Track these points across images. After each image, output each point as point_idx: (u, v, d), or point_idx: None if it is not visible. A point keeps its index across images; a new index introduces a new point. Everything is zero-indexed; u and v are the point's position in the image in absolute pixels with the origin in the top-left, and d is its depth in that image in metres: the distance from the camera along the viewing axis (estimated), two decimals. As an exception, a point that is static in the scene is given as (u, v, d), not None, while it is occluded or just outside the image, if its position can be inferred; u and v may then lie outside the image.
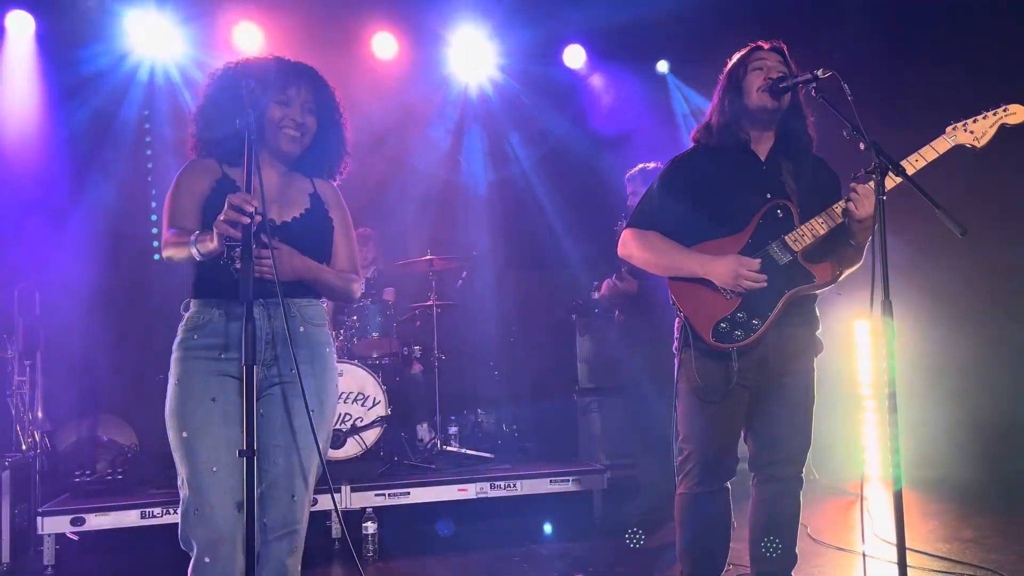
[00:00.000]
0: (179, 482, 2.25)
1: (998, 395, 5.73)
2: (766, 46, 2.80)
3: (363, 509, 4.37)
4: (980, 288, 5.88)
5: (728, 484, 2.87)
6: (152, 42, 6.11)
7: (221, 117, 2.31)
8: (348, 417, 5.01)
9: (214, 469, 2.20)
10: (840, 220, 2.65)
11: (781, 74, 2.72)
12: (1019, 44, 5.62)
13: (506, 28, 6.54)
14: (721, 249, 2.74)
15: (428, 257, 5.52)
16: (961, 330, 5.75)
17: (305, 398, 2.27)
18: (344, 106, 2.53)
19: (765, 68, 2.74)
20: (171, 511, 4.17)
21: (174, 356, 2.31)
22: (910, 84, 6.04)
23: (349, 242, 2.57)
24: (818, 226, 2.67)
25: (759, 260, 2.68)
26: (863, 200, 2.55)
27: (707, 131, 2.88)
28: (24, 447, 4.84)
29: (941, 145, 2.58)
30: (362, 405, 5.07)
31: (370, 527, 4.21)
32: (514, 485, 4.73)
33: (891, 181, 2.44)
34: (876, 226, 2.32)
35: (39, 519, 4.12)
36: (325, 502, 4.07)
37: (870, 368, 6.02)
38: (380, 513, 4.35)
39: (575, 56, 6.89)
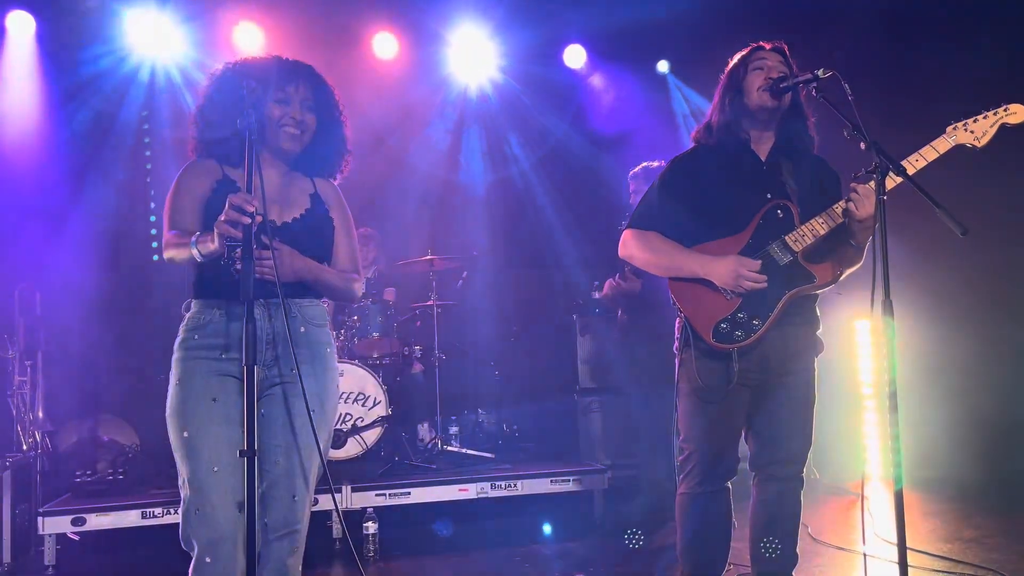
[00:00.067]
0: (180, 482, 2.25)
1: (999, 394, 5.73)
2: (767, 46, 2.80)
3: (364, 509, 4.37)
4: (981, 288, 5.88)
5: (729, 484, 2.87)
6: (152, 42, 6.11)
7: (221, 117, 2.31)
8: (349, 417, 5.01)
9: (215, 469, 2.20)
10: (841, 220, 2.65)
11: (782, 74, 2.72)
12: (1020, 44, 5.61)
13: (507, 28, 6.54)
14: (721, 249, 2.74)
15: (429, 257, 5.53)
16: (962, 330, 5.75)
17: (306, 398, 2.27)
18: (344, 104, 2.53)
19: (766, 68, 2.74)
20: (172, 511, 4.17)
21: (175, 356, 2.31)
22: (910, 84, 6.03)
23: (350, 241, 2.57)
24: (818, 226, 2.67)
25: (760, 261, 2.68)
26: (863, 200, 2.55)
27: (707, 131, 2.88)
28: (25, 447, 4.85)
29: (941, 145, 2.58)
30: (363, 405, 5.07)
31: (371, 527, 4.22)
32: (515, 485, 4.73)
33: (892, 181, 2.44)
34: (877, 226, 2.32)
35: (40, 519, 4.12)
36: (326, 502, 4.07)
37: (871, 368, 6.02)
38: (381, 513, 4.35)
39: (575, 56, 6.89)
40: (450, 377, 5.67)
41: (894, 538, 2.29)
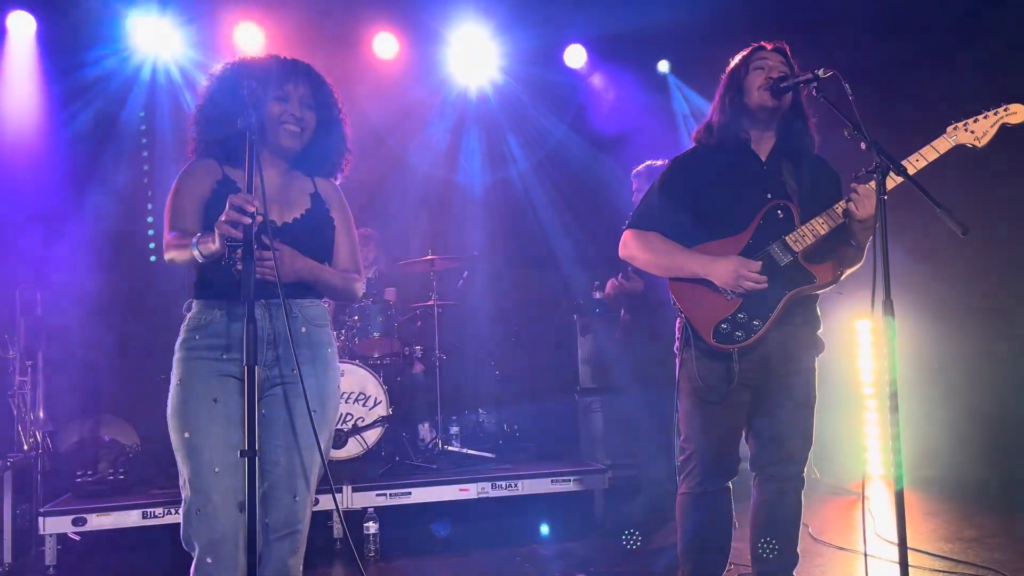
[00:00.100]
0: (181, 482, 2.25)
1: (1000, 394, 5.73)
2: (769, 46, 2.80)
3: (364, 509, 4.37)
4: (981, 287, 5.88)
5: (730, 484, 2.87)
6: (153, 43, 6.12)
7: (222, 117, 2.31)
8: (349, 417, 5.02)
9: (216, 470, 2.20)
10: (841, 220, 2.65)
11: (783, 74, 2.72)
12: (1020, 44, 5.61)
13: (507, 28, 6.54)
14: (722, 250, 2.74)
15: (429, 257, 5.53)
16: (963, 329, 5.75)
17: (306, 398, 2.27)
18: (343, 103, 2.53)
19: (767, 67, 2.75)
20: (172, 511, 4.18)
21: (176, 356, 2.32)
22: (911, 84, 6.04)
23: (351, 241, 2.57)
24: (819, 226, 2.67)
25: (760, 262, 2.68)
26: (864, 200, 2.55)
27: (708, 130, 2.88)
28: (26, 447, 4.85)
29: (942, 145, 2.58)
30: (363, 405, 5.07)
31: (371, 527, 4.22)
32: (515, 485, 4.73)
33: (892, 181, 2.44)
34: (877, 225, 2.32)
35: (41, 519, 4.12)
36: (326, 502, 4.07)
37: (871, 367, 6.02)
38: (381, 513, 4.35)
39: (576, 56, 6.89)
40: (451, 377, 5.67)
41: (895, 538, 2.29)
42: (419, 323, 5.91)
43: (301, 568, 2.40)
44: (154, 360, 5.20)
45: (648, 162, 4.60)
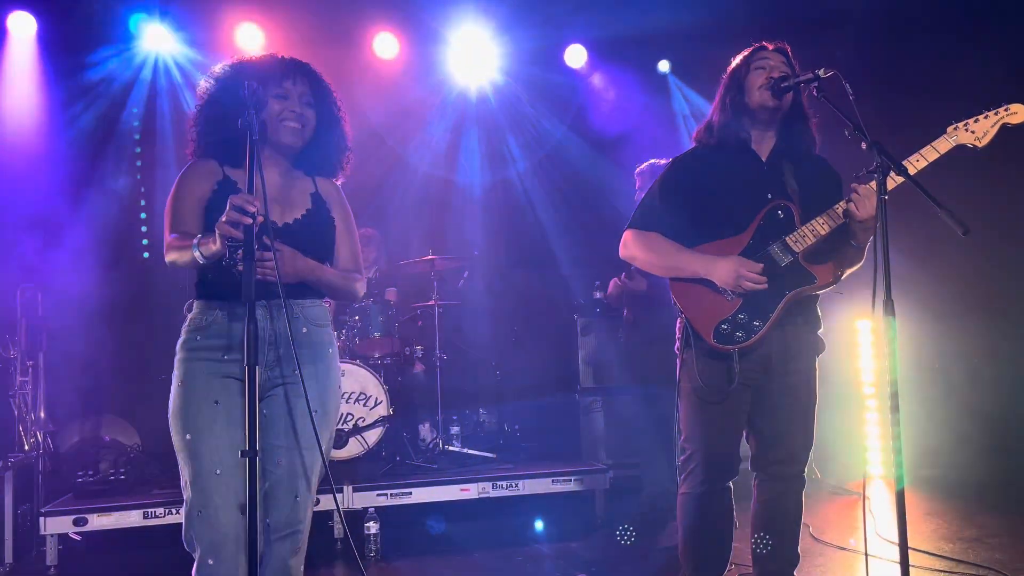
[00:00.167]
0: (182, 483, 2.26)
1: (1001, 393, 5.73)
2: (770, 46, 2.80)
3: (365, 509, 4.37)
4: (982, 287, 5.88)
5: (730, 484, 2.87)
6: (154, 44, 6.12)
7: (222, 118, 2.31)
8: (350, 417, 5.02)
9: (217, 471, 2.21)
10: (841, 220, 2.65)
11: (783, 74, 2.72)
12: (1021, 43, 5.61)
13: (508, 28, 6.53)
14: (722, 250, 2.74)
15: (430, 257, 5.53)
16: (964, 329, 5.76)
17: (307, 399, 2.28)
18: (342, 101, 2.54)
19: (768, 67, 2.74)
20: (173, 511, 4.18)
21: (177, 357, 2.32)
22: (911, 84, 6.04)
23: (352, 240, 2.57)
24: (819, 227, 2.67)
25: (761, 263, 2.68)
26: (864, 200, 2.55)
27: (708, 130, 2.88)
28: (27, 448, 4.85)
29: (942, 145, 2.58)
30: (364, 405, 5.07)
31: (372, 527, 4.22)
32: (516, 485, 4.73)
33: (893, 181, 2.44)
34: (878, 225, 2.32)
35: (42, 519, 4.12)
36: (327, 502, 4.07)
37: (872, 367, 6.02)
38: (382, 513, 4.36)
39: (576, 56, 6.89)
40: (451, 377, 5.67)
41: (896, 538, 2.29)
42: (420, 323, 5.91)
43: (302, 568, 2.40)
44: (155, 360, 5.21)
45: (652, 160, 4.59)
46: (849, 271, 2.78)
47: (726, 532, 2.89)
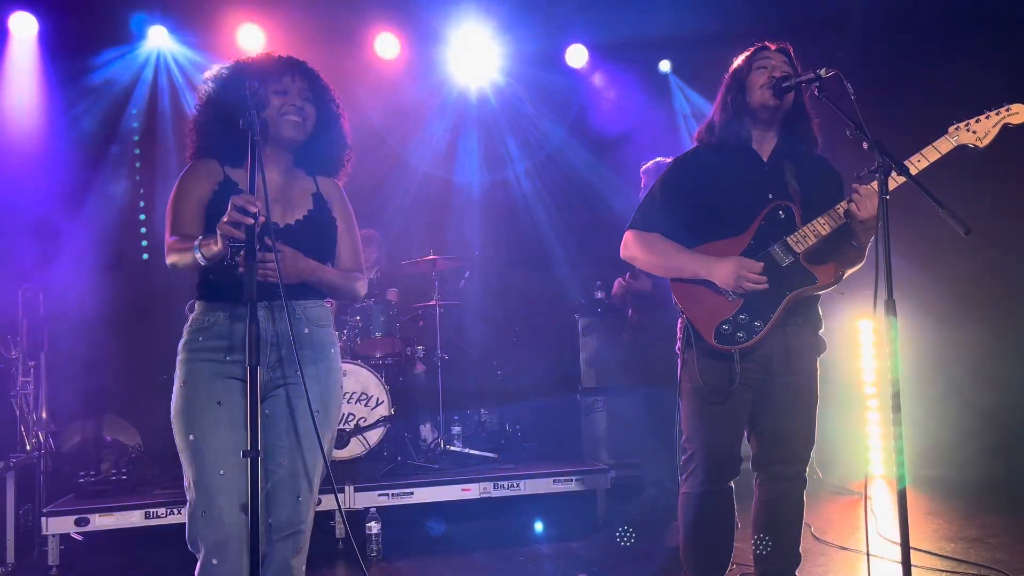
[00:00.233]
0: (185, 484, 2.26)
1: (1002, 393, 5.73)
2: (772, 46, 2.80)
3: (367, 509, 4.37)
4: (984, 287, 5.88)
5: (731, 484, 2.87)
6: (154, 45, 6.13)
7: (223, 118, 2.31)
8: (351, 417, 5.02)
9: (221, 472, 2.21)
10: (843, 221, 2.65)
11: (785, 73, 2.72)
12: (1022, 43, 5.61)
13: (509, 29, 6.53)
14: (723, 251, 2.74)
15: (431, 257, 5.53)
16: (965, 329, 5.75)
17: (309, 399, 2.28)
18: (340, 99, 2.54)
19: (769, 67, 2.74)
20: (175, 511, 4.18)
21: (179, 357, 2.32)
22: (912, 84, 6.03)
23: (353, 240, 2.57)
24: (821, 227, 2.67)
25: (761, 263, 2.68)
26: (865, 200, 2.55)
27: (709, 129, 2.88)
28: (28, 448, 4.85)
29: (943, 145, 2.58)
30: (365, 405, 5.07)
31: (374, 527, 4.22)
32: (517, 485, 4.73)
33: (894, 181, 2.44)
34: (879, 225, 2.32)
35: (44, 519, 4.13)
36: (329, 502, 4.06)
37: (873, 367, 6.02)
38: (384, 513, 4.36)
39: (577, 56, 6.89)
40: (452, 377, 5.67)
41: (897, 537, 2.29)
42: (421, 323, 5.91)
43: (304, 568, 2.41)
44: (156, 360, 5.21)
45: (658, 158, 4.59)
46: (850, 271, 2.78)
47: (727, 532, 2.89)
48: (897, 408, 2.27)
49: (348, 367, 5.01)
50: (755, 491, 2.91)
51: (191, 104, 6.00)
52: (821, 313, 2.87)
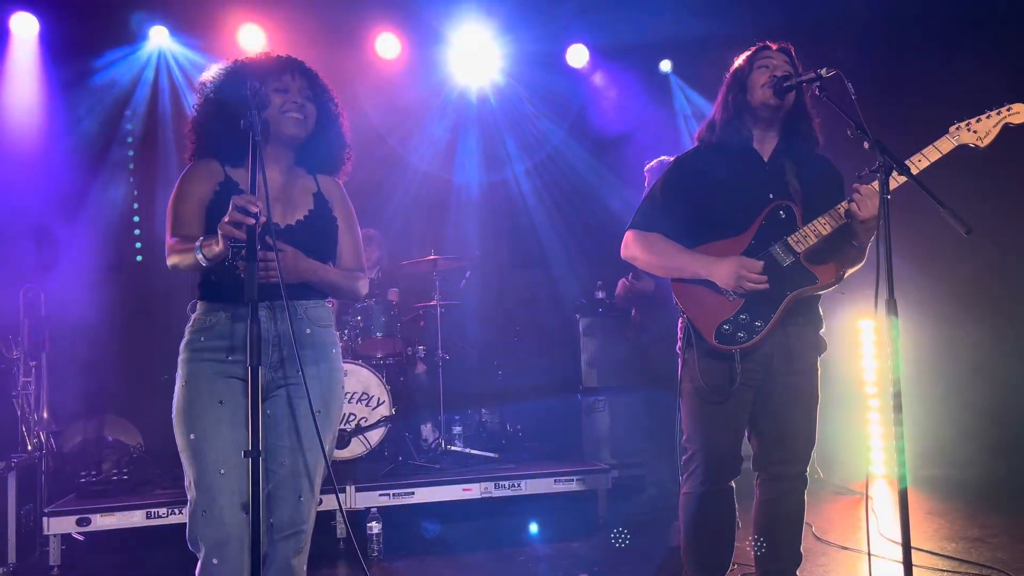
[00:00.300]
0: (186, 483, 2.26)
1: (1004, 393, 5.73)
2: (773, 46, 2.80)
3: (368, 509, 4.38)
4: (985, 286, 5.88)
5: (732, 483, 2.87)
6: (155, 45, 6.14)
7: (223, 118, 2.31)
8: (352, 417, 5.02)
9: (222, 471, 2.21)
10: (843, 221, 2.65)
11: (786, 73, 2.72)
12: (1022, 43, 5.61)
13: (510, 29, 6.53)
14: (723, 250, 2.74)
15: (432, 257, 5.53)
16: (966, 329, 5.75)
17: (310, 399, 2.28)
18: (340, 98, 2.54)
19: (771, 66, 2.74)
20: (176, 511, 4.19)
21: (181, 357, 2.32)
22: (913, 84, 6.03)
23: (354, 239, 2.58)
24: (821, 227, 2.67)
25: (762, 262, 2.68)
26: (866, 200, 2.55)
27: (710, 128, 2.88)
28: (30, 448, 4.85)
29: (944, 145, 2.58)
30: (366, 405, 5.08)
31: (375, 527, 4.22)
32: (518, 485, 4.73)
33: (895, 181, 2.44)
34: (880, 224, 2.32)
35: (45, 519, 4.13)
36: (330, 502, 4.06)
37: (875, 367, 6.02)
38: (385, 513, 4.36)
39: (578, 56, 6.89)
40: (453, 377, 5.68)
41: (899, 537, 2.29)
42: (422, 323, 5.92)
43: (305, 568, 2.41)
44: (157, 360, 5.20)
45: (662, 157, 4.59)
46: (851, 271, 2.78)
47: (728, 532, 2.89)
48: (898, 408, 2.27)
49: (349, 367, 5.01)
50: (756, 491, 2.91)
51: (191, 106, 6.01)
52: (822, 313, 2.87)
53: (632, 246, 2.90)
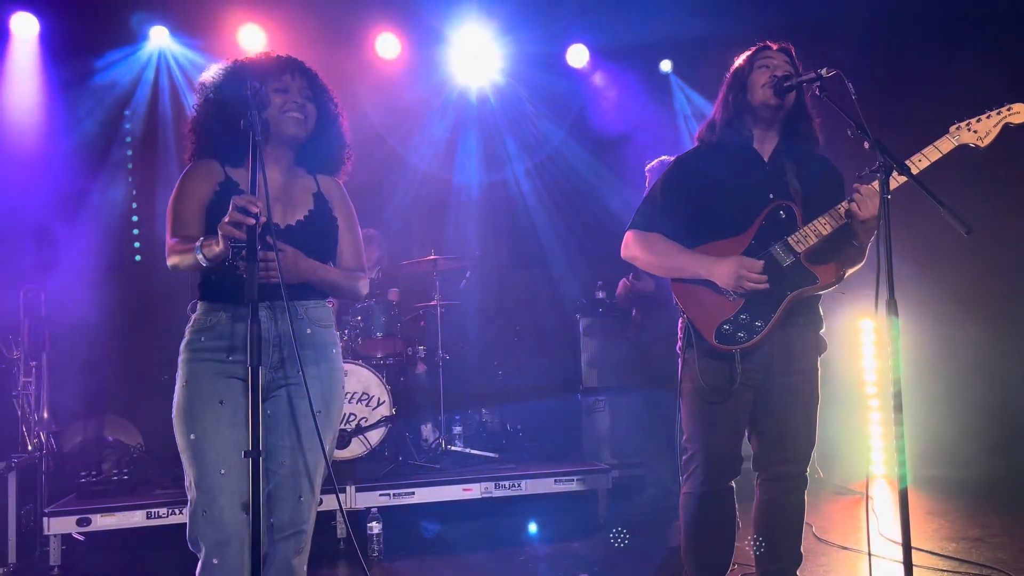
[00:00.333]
0: (187, 483, 2.26)
1: (1004, 393, 5.73)
2: (774, 46, 2.80)
3: (368, 509, 4.38)
4: (985, 286, 5.87)
5: (733, 483, 2.87)
6: (156, 46, 6.14)
7: (223, 118, 2.31)
8: (353, 417, 5.02)
9: (222, 471, 2.21)
10: (844, 220, 2.65)
11: (787, 73, 2.72)
12: (1022, 43, 5.61)
13: (511, 29, 6.53)
14: (724, 251, 2.73)
15: (432, 257, 5.53)
16: (967, 329, 5.75)
17: (311, 400, 2.28)
18: (339, 97, 2.54)
19: (771, 66, 2.74)
20: (176, 511, 4.19)
21: (181, 357, 2.32)
22: (913, 84, 6.03)
23: (354, 239, 2.58)
24: (821, 227, 2.67)
25: (762, 262, 2.68)
26: (866, 200, 2.55)
27: (711, 128, 2.88)
28: (30, 448, 4.85)
29: (944, 145, 2.58)
30: (367, 405, 5.08)
31: (375, 527, 4.22)
32: (518, 485, 4.73)
33: (895, 181, 2.44)
34: (881, 223, 2.32)
35: (45, 520, 4.14)
36: (330, 502, 4.06)
37: (875, 367, 6.02)
38: (385, 513, 4.36)
39: (578, 56, 6.89)
40: (454, 377, 5.68)
41: (899, 537, 2.29)
42: (422, 323, 5.92)
43: (306, 568, 2.41)
44: (157, 360, 5.20)
45: (662, 157, 4.59)
46: (851, 271, 2.77)
47: (728, 532, 2.89)
48: (898, 408, 2.27)
49: (349, 367, 5.01)
50: (756, 491, 2.91)
51: (191, 106, 6.01)
52: (822, 313, 2.87)
53: (632, 246, 2.90)
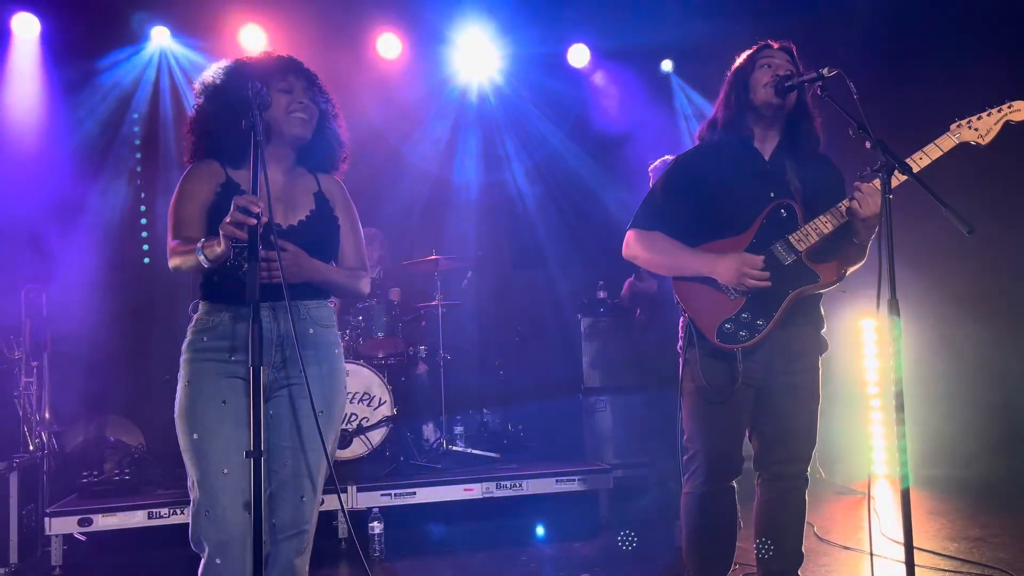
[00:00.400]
0: (189, 484, 2.26)
1: (1005, 392, 5.72)
2: (775, 45, 2.80)
3: (369, 509, 4.38)
4: (986, 286, 5.87)
5: (734, 483, 2.86)
6: (157, 46, 6.15)
7: (224, 119, 2.31)
8: (354, 417, 5.02)
9: (224, 471, 2.21)
10: (845, 219, 2.64)
11: (788, 72, 2.71)
12: (1023, 42, 5.61)
13: (512, 29, 6.53)
14: (725, 249, 2.73)
15: (434, 257, 5.53)
16: (969, 328, 5.75)
17: (312, 400, 2.28)
18: (340, 97, 2.55)
19: (773, 65, 2.74)
20: (178, 511, 4.19)
21: (183, 358, 2.32)
22: (914, 82, 6.03)
23: (356, 238, 2.58)
24: (823, 225, 2.67)
25: (763, 257, 2.67)
26: (868, 199, 2.55)
27: (712, 127, 2.88)
28: (32, 448, 4.86)
29: (945, 143, 2.58)
30: (368, 405, 5.08)
31: (376, 527, 4.23)
32: (520, 485, 4.73)
33: (897, 179, 2.44)
34: (882, 222, 2.32)
35: (47, 520, 4.14)
36: (332, 502, 4.08)
37: (877, 367, 6.01)
38: (386, 513, 4.36)
39: (579, 55, 6.89)
40: (455, 377, 5.68)
41: (901, 537, 2.29)
42: (423, 323, 5.92)
43: (307, 568, 2.41)
44: (159, 361, 5.22)
45: (665, 156, 4.59)
46: (852, 269, 2.77)
47: (730, 532, 2.88)
48: (900, 407, 2.27)
49: (351, 367, 5.01)
50: (757, 491, 2.91)
51: (192, 105, 6.01)
52: (823, 312, 2.87)
53: (633, 245, 2.89)
